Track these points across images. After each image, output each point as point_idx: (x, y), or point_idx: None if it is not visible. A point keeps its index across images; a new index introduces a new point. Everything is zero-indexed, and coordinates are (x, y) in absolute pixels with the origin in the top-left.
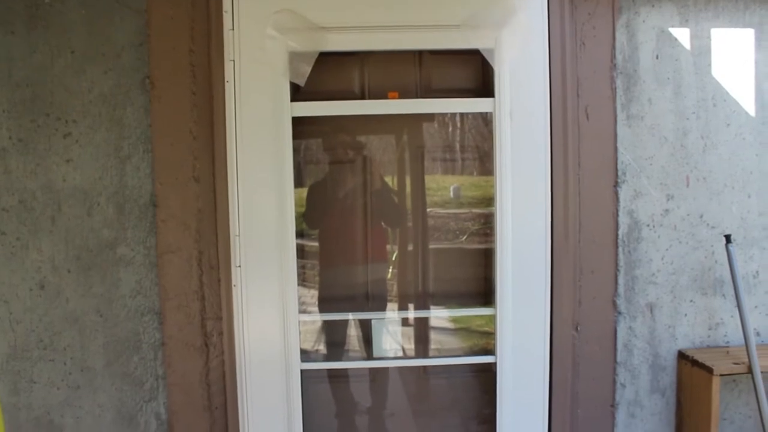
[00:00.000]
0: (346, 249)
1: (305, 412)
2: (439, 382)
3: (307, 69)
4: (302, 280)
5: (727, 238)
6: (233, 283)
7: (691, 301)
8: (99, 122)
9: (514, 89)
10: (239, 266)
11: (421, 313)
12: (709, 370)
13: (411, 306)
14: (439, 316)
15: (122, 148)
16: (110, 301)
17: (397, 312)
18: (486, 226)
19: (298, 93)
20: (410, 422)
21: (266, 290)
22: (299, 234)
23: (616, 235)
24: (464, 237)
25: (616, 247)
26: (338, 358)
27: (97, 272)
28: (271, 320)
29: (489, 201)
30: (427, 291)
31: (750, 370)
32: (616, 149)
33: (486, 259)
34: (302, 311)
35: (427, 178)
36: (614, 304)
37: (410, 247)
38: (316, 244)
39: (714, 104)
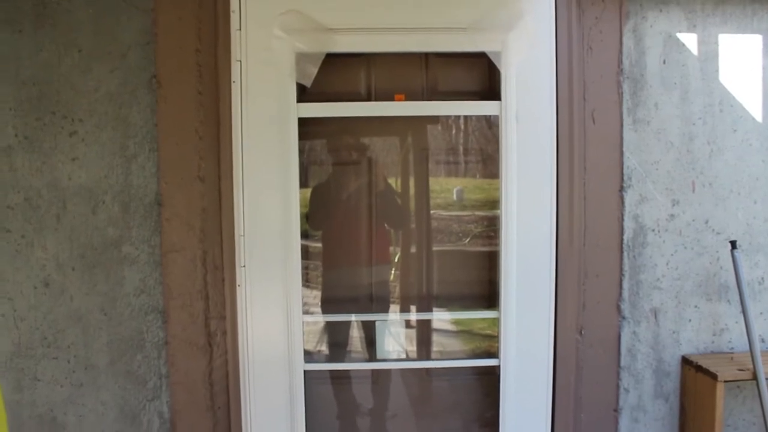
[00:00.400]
0: (349, 250)
1: (308, 412)
2: (442, 384)
3: (313, 70)
4: (305, 281)
5: (733, 243)
6: (237, 282)
7: (696, 306)
8: (105, 121)
9: (521, 93)
10: (243, 266)
11: (424, 316)
12: (714, 376)
13: (414, 308)
14: (442, 318)
15: (128, 146)
16: (114, 299)
17: (399, 314)
18: (489, 229)
19: (304, 94)
20: (412, 424)
21: (270, 290)
22: (302, 235)
23: (621, 239)
24: (467, 240)
25: (621, 252)
26: (341, 360)
27: (102, 270)
28: (275, 320)
29: (492, 204)
30: (431, 293)
31: (755, 377)
32: (622, 153)
33: (489, 261)
34: (305, 312)
35: (431, 181)
36: (618, 308)
37: (413, 249)
38: (319, 245)
39: (721, 110)
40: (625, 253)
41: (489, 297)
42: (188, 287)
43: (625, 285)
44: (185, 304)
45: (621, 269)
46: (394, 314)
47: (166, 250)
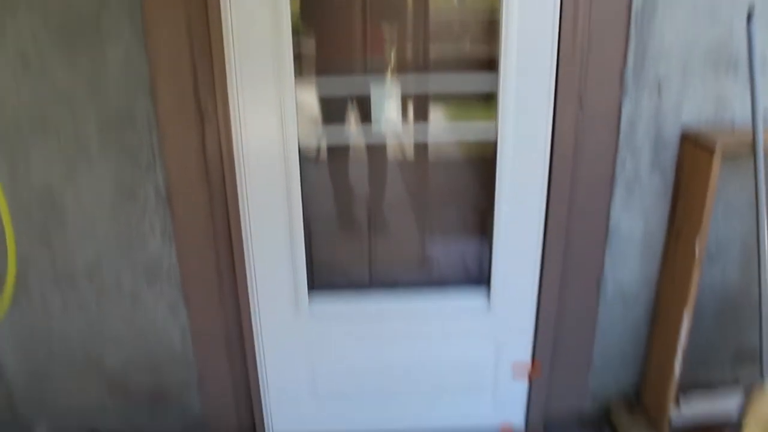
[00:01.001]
0: (342, 45)
1: (304, 193)
2: (438, 173)
3: None
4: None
5: (749, 14)
6: (226, 54)
7: (702, 79)
8: None
9: None
10: (232, 38)
11: (422, 79)
12: (711, 147)
13: (411, 78)
14: (438, 83)
15: None
16: (99, 76)
17: (397, 79)
18: (490, 26)
19: None
20: (408, 210)
21: (261, 62)
22: (295, 32)
23: (630, 9)
24: (467, 35)
25: (629, 23)
26: (337, 138)
27: (83, 47)
28: (266, 91)
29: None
30: (427, 62)
31: (753, 149)
32: None
33: (488, 58)
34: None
35: None
36: (622, 80)
37: (410, 44)
38: (312, 42)
39: None
40: (633, 24)
41: (487, 93)
42: (175, 60)
43: (630, 56)
44: (173, 79)
45: (627, 40)
46: (390, 85)
47: (149, 24)
